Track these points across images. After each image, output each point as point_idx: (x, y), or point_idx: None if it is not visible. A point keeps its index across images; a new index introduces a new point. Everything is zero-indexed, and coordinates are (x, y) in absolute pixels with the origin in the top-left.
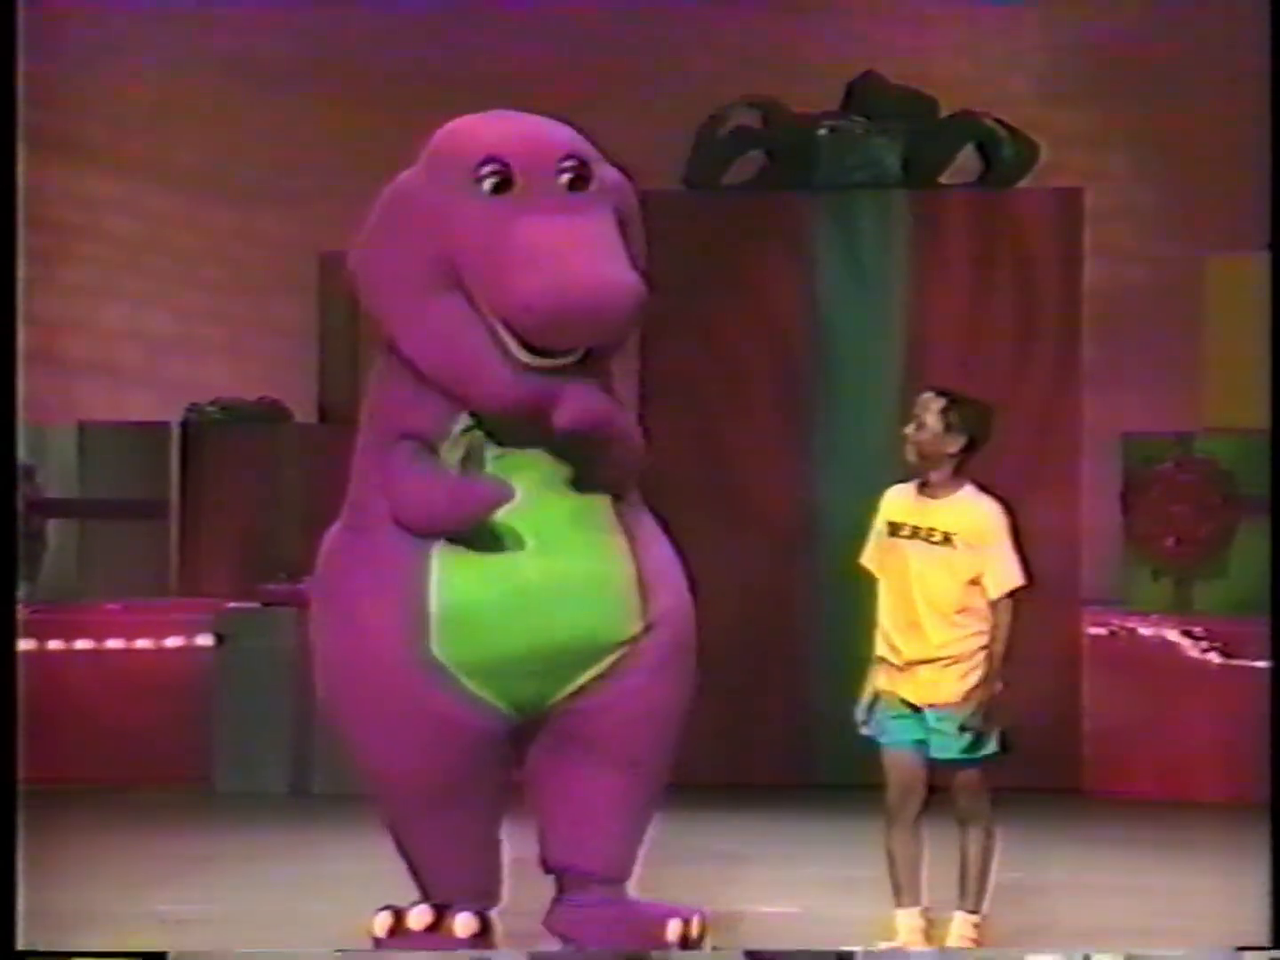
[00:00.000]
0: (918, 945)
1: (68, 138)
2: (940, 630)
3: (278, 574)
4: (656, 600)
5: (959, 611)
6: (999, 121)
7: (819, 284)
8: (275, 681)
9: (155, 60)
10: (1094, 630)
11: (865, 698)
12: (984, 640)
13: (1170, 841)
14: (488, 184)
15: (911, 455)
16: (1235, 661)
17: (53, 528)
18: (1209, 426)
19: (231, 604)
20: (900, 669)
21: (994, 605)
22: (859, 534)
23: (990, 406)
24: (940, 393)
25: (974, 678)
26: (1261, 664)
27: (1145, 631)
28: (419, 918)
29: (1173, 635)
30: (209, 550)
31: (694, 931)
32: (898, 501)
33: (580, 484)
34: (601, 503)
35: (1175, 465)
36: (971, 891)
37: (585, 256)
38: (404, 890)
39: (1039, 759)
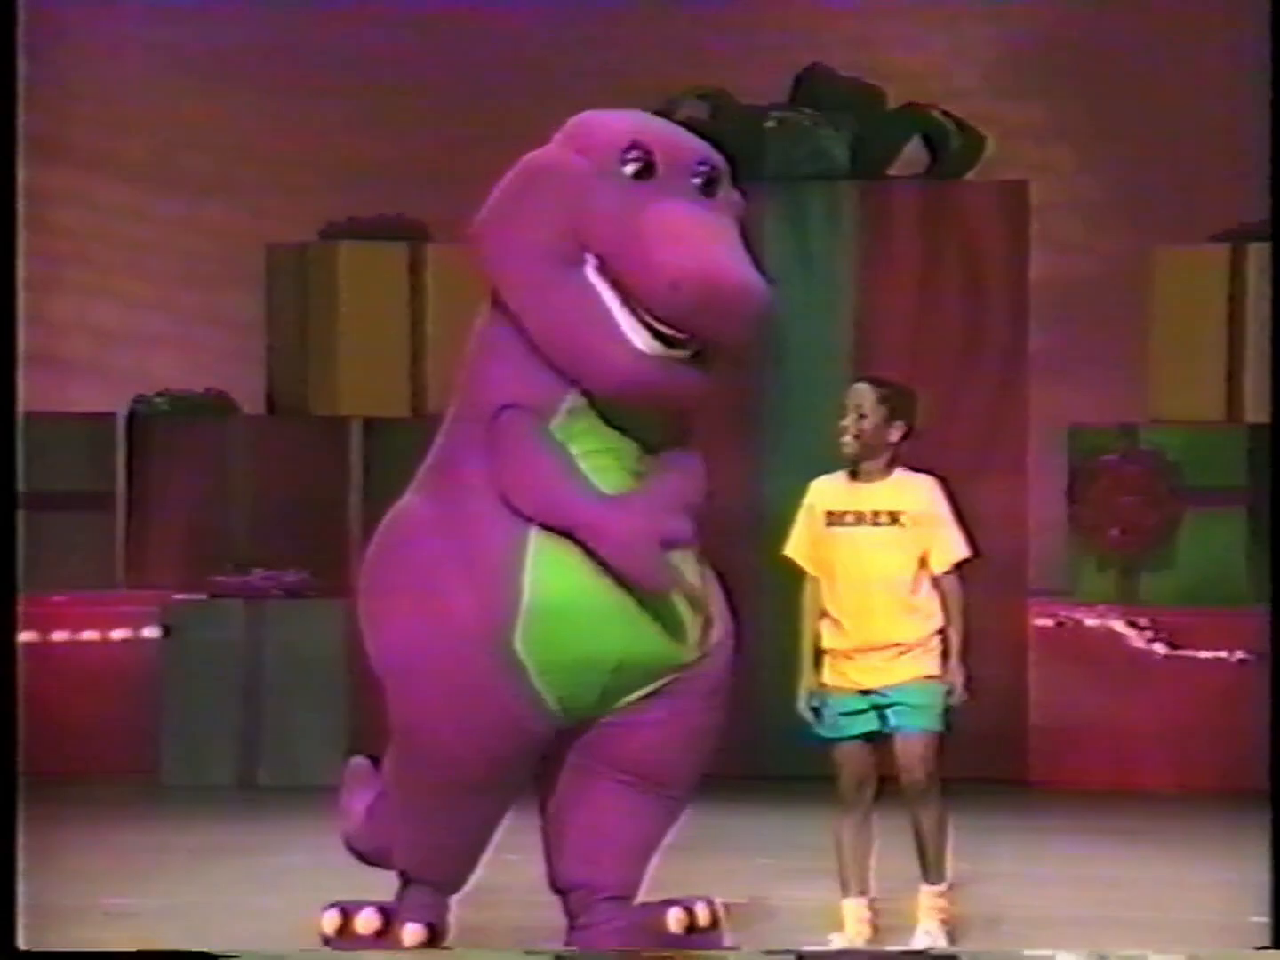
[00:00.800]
0: (864, 935)
1: (13, 131)
2: (894, 615)
3: (225, 565)
4: (715, 628)
5: (913, 593)
6: (946, 114)
7: (767, 273)
8: (222, 674)
9: (103, 52)
10: (1040, 621)
11: (805, 692)
12: (936, 623)
13: (1116, 830)
14: (630, 168)
15: (852, 446)
16: (1181, 651)
17: None
18: (1155, 419)
19: (179, 596)
20: (851, 657)
21: (940, 581)
22: None
23: (915, 391)
24: (873, 382)
25: (933, 656)
26: (1205, 654)
27: (1091, 622)
28: (366, 922)
29: (1118, 625)
30: (156, 542)
31: (701, 920)
32: (831, 490)
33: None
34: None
35: (1121, 457)
36: (933, 864)
37: (724, 249)
38: (348, 884)
39: (985, 749)
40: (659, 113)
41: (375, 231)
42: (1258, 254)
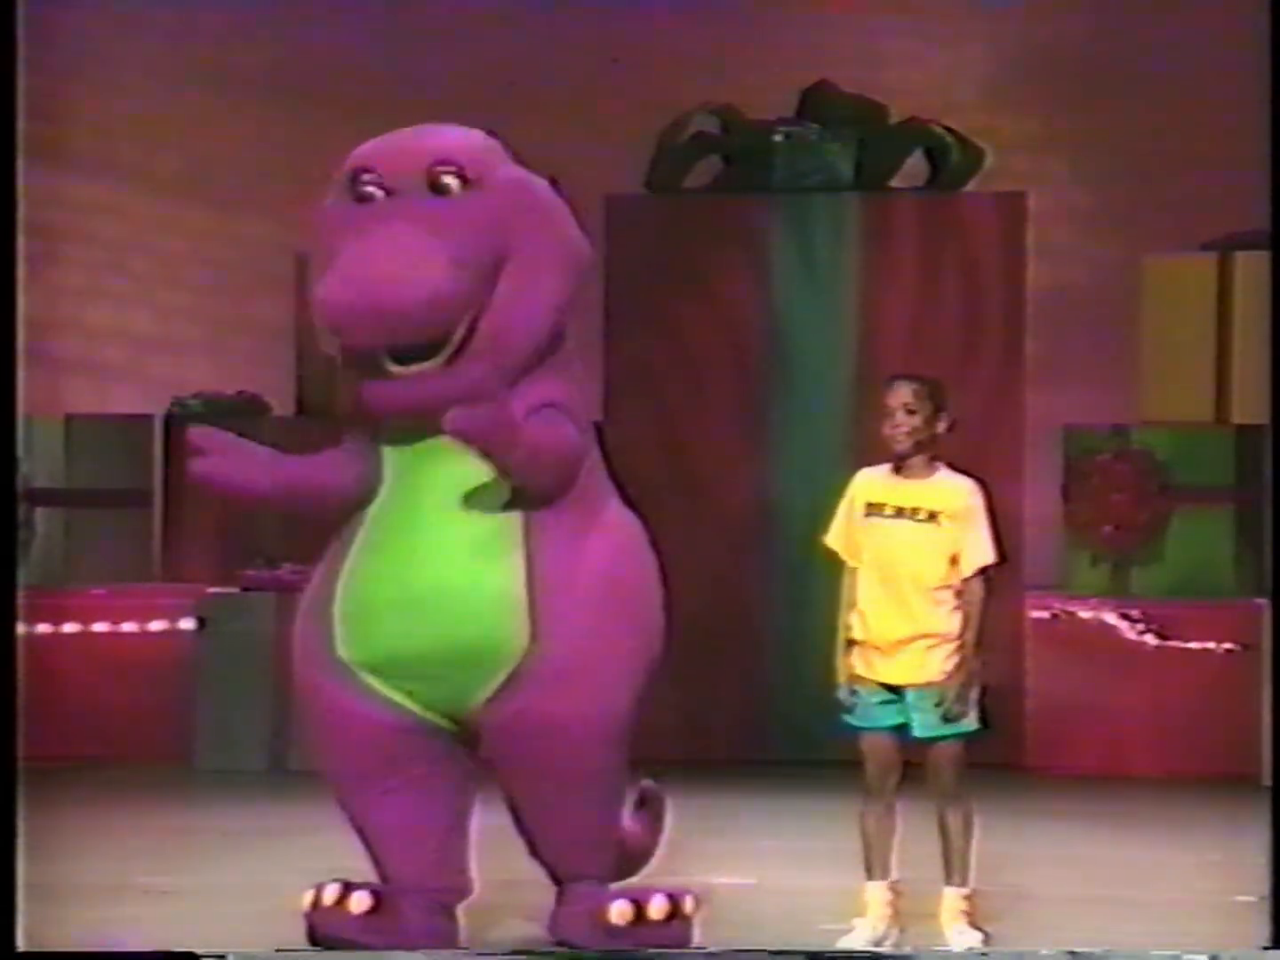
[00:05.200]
0: (886, 918)
1: (56, 145)
2: (926, 608)
3: (256, 560)
4: (551, 616)
5: (941, 589)
6: (947, 128)
7: (775, 283)
8: (254, 663)
9: (140, 70)
10: (1036, 613)
11: (843, 681)
12: (961, 620)
13: (1108, 813)
14: (357, 192)
15: (905, 444)
16: (1170, 643)
17: (41, 516)
18: (1145, 420)
19: (212, 589)
20: (881, 650)
21: (967, 583)
22: (812, 522)
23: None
24: (913, 379)
25: (956, 656)
26: (1194, 645)
27: (1085, 614)
28: (330, 894)
29: (1111, 618)
30: (191, 537)
31: (653, 913)
32: (874, 483)
33: (488, 490)
34: (506, 519)
35: (1113, 456)
36: (957, 867)
37: (378, 260)
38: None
39: (984, 736)
40: (673, 125)
41: None
42: (1245, 262)
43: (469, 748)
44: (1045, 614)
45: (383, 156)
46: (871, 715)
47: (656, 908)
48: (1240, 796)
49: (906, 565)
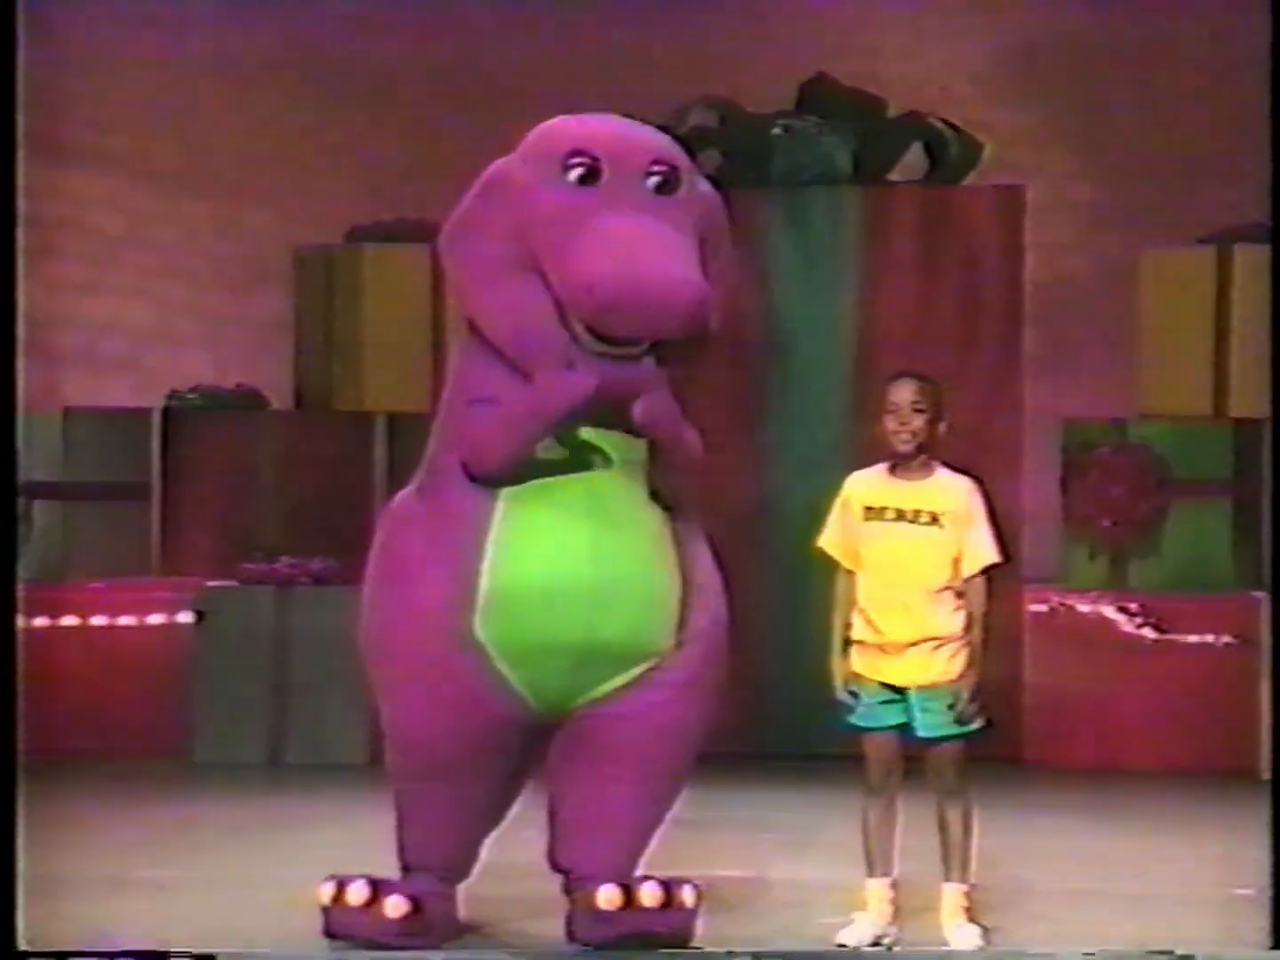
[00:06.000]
0: (886, 916)
1: (53, 138)
2: (930, 611)
3: (255, 554)
4: (695, 617)
5: (944, 590)
6: (945, 121)
7: (774, 276)
8: (252, 657)
9: (137, 63)
10: (1035, 607)
11: (841, 680)
12: (963, 623)
13: (1106, 806)
14: (574, 174)
15: (909, 441)
16: (1168, 636)
17: (39, 509)
18: (1144, 413)
19: (211, 583)
20: (884, 651)
21: (969, 583)
22: (810, 520)
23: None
24: (918, 376)
25: (961, 658)
26: (1192, 638)
27: (1083, 608)
28: (357, 893)
29: (1109, 611)
30: (189, 531)
31: (645, 900)
32: (870, 485)
33: (642, 488)
34: (659, 511)
35: (1111, 450)
36: (958, 863)
37: (652, 250)
38: (372, 856)
39: (985, 733)
40: (671, 119)
41: (398, 234)
42: (1243, 256)
43: (542, 742)
44: (1044, 607)
45: (601, 143)
46: (875, 715)
47: (648, 894)
48: (1238, 790)
49: (910, 568)
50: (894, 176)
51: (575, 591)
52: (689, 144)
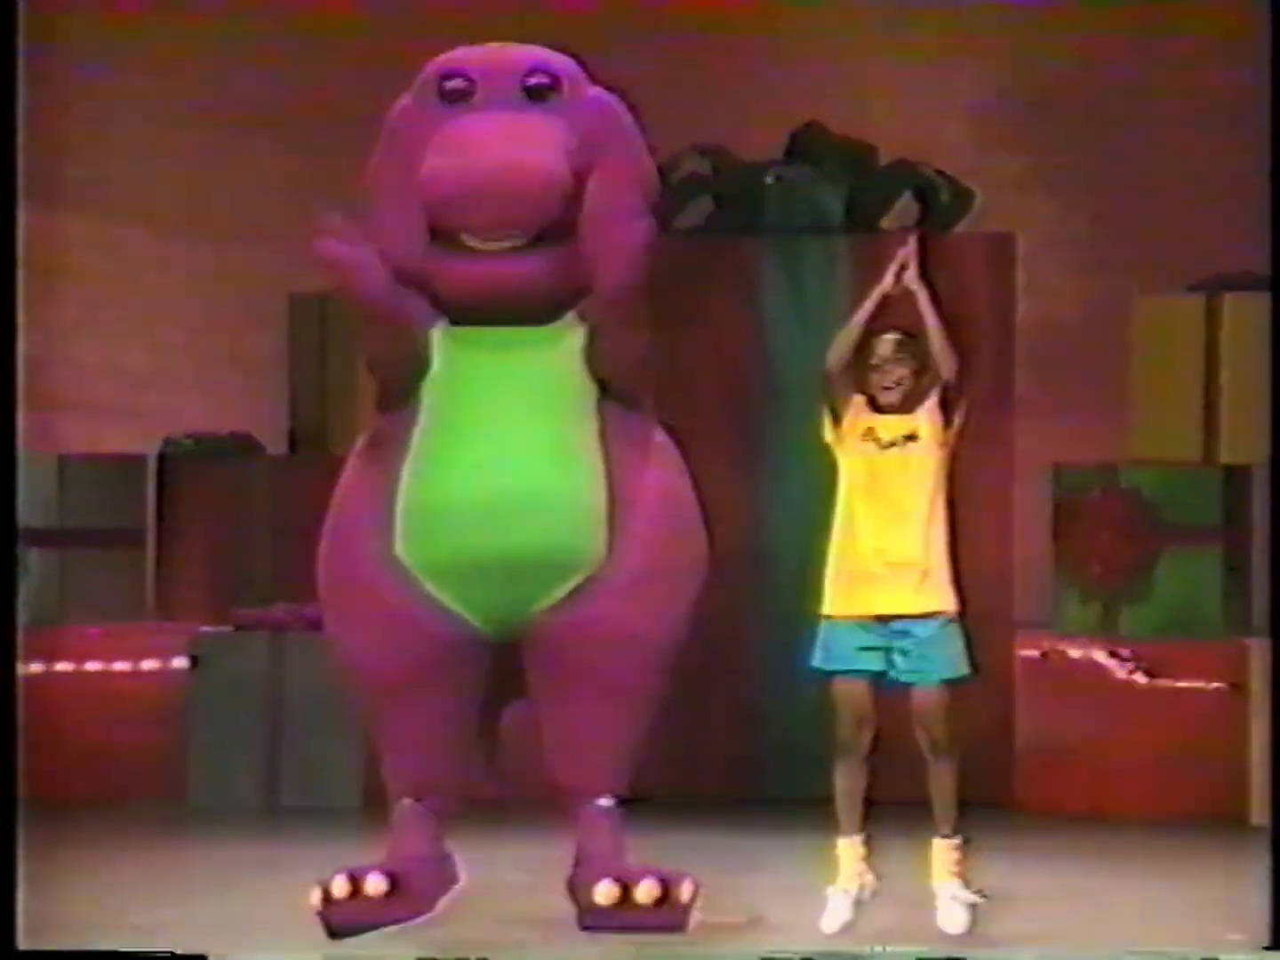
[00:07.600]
0: (859, 874)
1: (49, 181)
2: (919, 534)
3: (249, 599)
4: (627, 526)
5: (930, 514)
6: (937, 170)
7: (766, 322)
8: (247, 701)
9: (133, 106)
10: (1026, 652)
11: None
12: (945, 546)
13: (1097, 851)
14: (448, 92)
15: (894, 391)
16: (1159, 681)
17: (34, 555)
18: (1134, 459)
19: (205, 628)
20: (878, 575)
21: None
22: (805, 558)
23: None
24: (897, 329)
25: (946, 593)
26: (1183, 683)
27: (1074, 653)
28: (340, 887)
29: (1100, 656)
30: (184, 576)
31: (641, 897)
32: (863, 414)
33: (565, 395)
34: (585, 424)
35: (1102, 495)
36: (947, 817)
37: (500, 143)
38: None
39: (974, 772)
40: (664, 166)
41: None
42: (1233, 304)
43: (508, 654)
44: (1035, 652)
45: (473, 62)
46: (849, 658)
47: (644, 890)
48: (1229, 836)
49: (896, 490)
50: (885, 224)
51: (485, 505)
52: (682, 191)
